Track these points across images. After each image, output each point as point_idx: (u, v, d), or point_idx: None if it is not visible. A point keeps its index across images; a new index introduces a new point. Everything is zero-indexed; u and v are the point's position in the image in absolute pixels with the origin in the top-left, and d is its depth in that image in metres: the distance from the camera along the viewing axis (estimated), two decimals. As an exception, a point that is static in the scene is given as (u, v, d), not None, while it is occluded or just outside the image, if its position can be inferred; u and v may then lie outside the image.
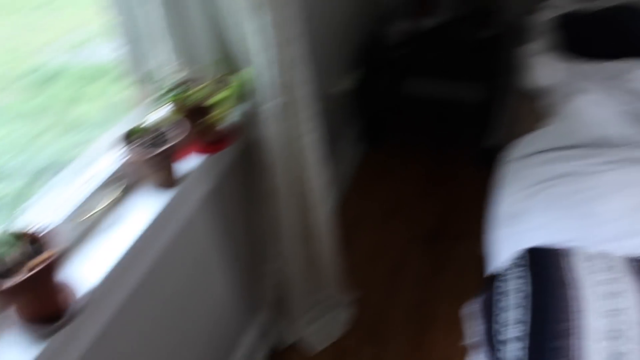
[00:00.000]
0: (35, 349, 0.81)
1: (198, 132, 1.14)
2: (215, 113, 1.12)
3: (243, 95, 1.24)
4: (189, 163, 1.14)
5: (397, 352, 1.77)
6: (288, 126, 1.28)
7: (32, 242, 0.81)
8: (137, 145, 1.05)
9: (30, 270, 0.76)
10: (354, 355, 1.77)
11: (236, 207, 1.47)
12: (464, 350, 1.72)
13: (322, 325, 1.79)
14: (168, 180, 1.07)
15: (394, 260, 2.10)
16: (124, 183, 1.08)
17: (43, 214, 0.96)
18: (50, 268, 0.79)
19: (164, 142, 1.05)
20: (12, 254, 0.78)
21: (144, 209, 1.05)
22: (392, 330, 1.84)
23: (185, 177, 1.11)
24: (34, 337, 0.82)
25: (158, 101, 1.13)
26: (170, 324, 1.24)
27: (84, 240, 0.99)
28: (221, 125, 1.18)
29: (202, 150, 1.17)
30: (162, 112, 1.14)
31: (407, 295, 1.96)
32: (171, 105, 1.13)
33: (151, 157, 1.02)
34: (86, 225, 1.01)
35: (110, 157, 1.10)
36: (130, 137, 1.07)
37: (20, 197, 0.83)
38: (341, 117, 2.42)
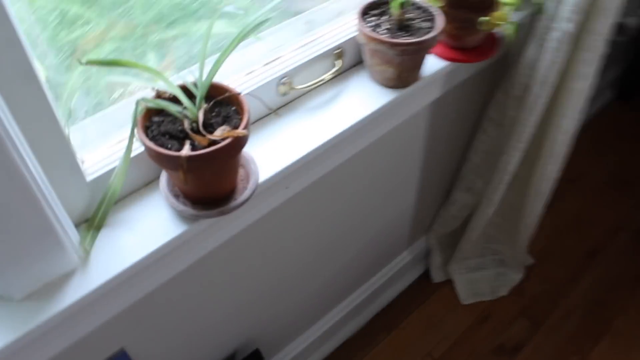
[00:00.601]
0: (178, 229, 0.68)
1: (454, 32, 0.88)
2: (486, 17, 0.83)
3: (529, 7, 0.94)
4: (428, 65, 0.89)
5: (551, 344, 1.51)
6: (567, 60, 0.96)
7: (225, 103, 0.65)
8: (376, 25, 0.83)
9: (215, 142, 0.59)
10: (501, 325, 1.55)
11: (450, 126, 1.23)
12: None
13: (482, 278, 1.58)
14: (397, 79, 0.84)
15: (593, 241, 1.75)
16: (343, 64, 0.89)
17: (243, 71, 0.81)
18: (240, 143, 0.62)
19: (411, 31, 0.81)
20: (198, 114, 0.61)
21: (359, 101, 0.85)
22: (556, 318, 1.57)
23: (416, 81, 0.88)
24: (184, 216, 0.69)
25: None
26: (340, 227, 1.14)
27: (282, 114, 0.84)
28: (484, 32, 0.89)
29: (449, 54, 0.91)
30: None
31: (590, 288, 1.64)
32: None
33: (393, 45, 0.79)
34: (289, 97, 0.85)
35: (337, 27, 0.90)
36: (370, 12, 0.85)
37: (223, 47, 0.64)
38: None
